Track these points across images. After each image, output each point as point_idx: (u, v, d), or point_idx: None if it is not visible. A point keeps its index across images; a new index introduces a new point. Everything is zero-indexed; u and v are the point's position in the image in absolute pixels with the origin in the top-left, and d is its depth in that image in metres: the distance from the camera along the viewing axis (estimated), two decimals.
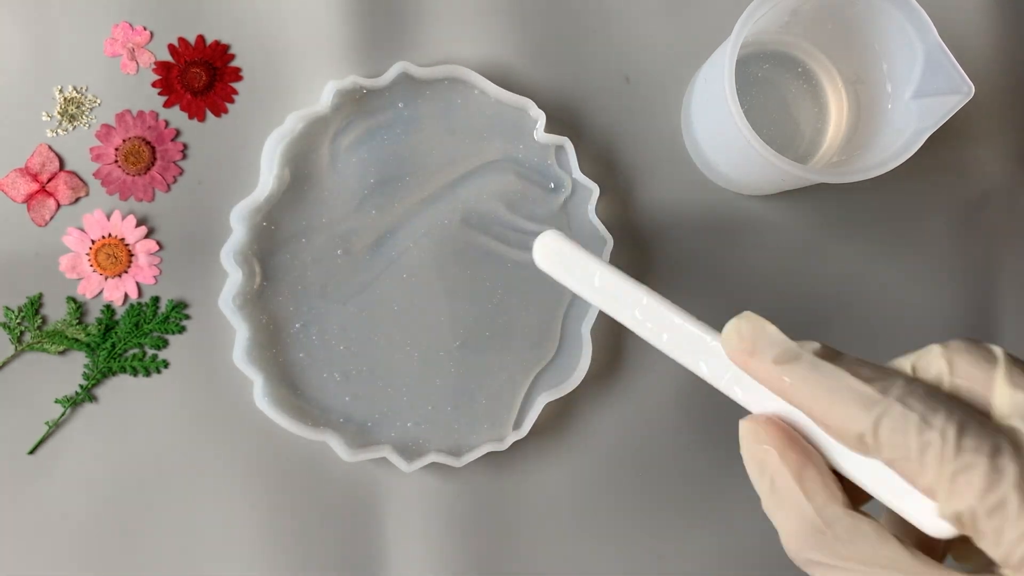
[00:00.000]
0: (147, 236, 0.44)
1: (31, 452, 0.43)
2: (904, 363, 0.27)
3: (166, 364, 0.44)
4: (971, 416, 0.24)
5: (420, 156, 0.44)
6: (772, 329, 0.27)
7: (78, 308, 0.43)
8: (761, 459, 0.27)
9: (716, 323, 0.29)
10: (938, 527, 0.25)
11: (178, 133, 0.44)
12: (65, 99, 0.44)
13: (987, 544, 0.24)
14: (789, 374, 0.26)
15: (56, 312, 0.44)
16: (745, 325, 0.27)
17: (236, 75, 0.45)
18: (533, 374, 0.44)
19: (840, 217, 0.46)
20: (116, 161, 0.44)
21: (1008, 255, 0.47)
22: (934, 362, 0.26)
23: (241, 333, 0.42)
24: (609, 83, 0.46)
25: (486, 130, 0.44)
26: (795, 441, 0.27)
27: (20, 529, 0.43)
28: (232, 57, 0.45)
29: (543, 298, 0.44)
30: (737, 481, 0.40)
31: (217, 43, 0.44)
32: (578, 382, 0.43)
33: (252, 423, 0.44)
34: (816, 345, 0.26)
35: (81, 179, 0.44)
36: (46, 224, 0.44)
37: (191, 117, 0.44)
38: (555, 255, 0.30)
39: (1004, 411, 0.25)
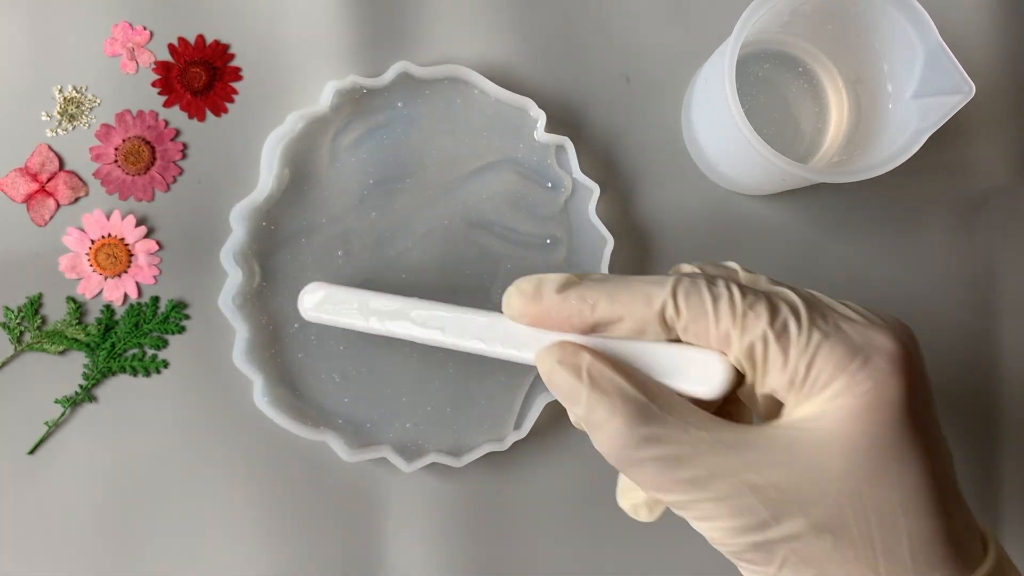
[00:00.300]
0: (147, 236, 0.44)
1: (31, 452, 0.43)
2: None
3: (166, 364, 0.44)
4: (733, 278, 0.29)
5: (420, 156, 0.44)
6: (550, 274, 0.29)
7: (78, 308, 0.43)
8: (575, 363, 0.28)
9: None
10: (716, 386, 0.28)
11: (178, 133, 0.44)
12: (65, 99, 0.44)
13: (773, 374, 0.27)
14: (580, 292, 0.28)
15: (56, 312, 0.44)
16: (523, 283, 0.29)
17: (236, 75, 0.44)
18: (533, 374, 0.44)
19: (840, 217, 0.46)
20: (116, 161, 0.44)
21: (1008, 255, 0.47)
22: (686, 268, 0.30)
23: (241, 333, 0.42)
24: (609, 83, 0.46)
25: (486, 130, 0.44)
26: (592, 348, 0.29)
27: (20, 529, 0.43)
28: (232, 57, 0.45)
29: None
30: None
31: (217, 43, 0.44)
32: None
33: (252, 423, 0.44)
34: (596, 274, 0.29)
35: (81, 179, 0.44)
36: (46, 224, 0.44)
37: (191, 117, 0.44)
38: (324, 302, 0.33)
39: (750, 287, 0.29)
